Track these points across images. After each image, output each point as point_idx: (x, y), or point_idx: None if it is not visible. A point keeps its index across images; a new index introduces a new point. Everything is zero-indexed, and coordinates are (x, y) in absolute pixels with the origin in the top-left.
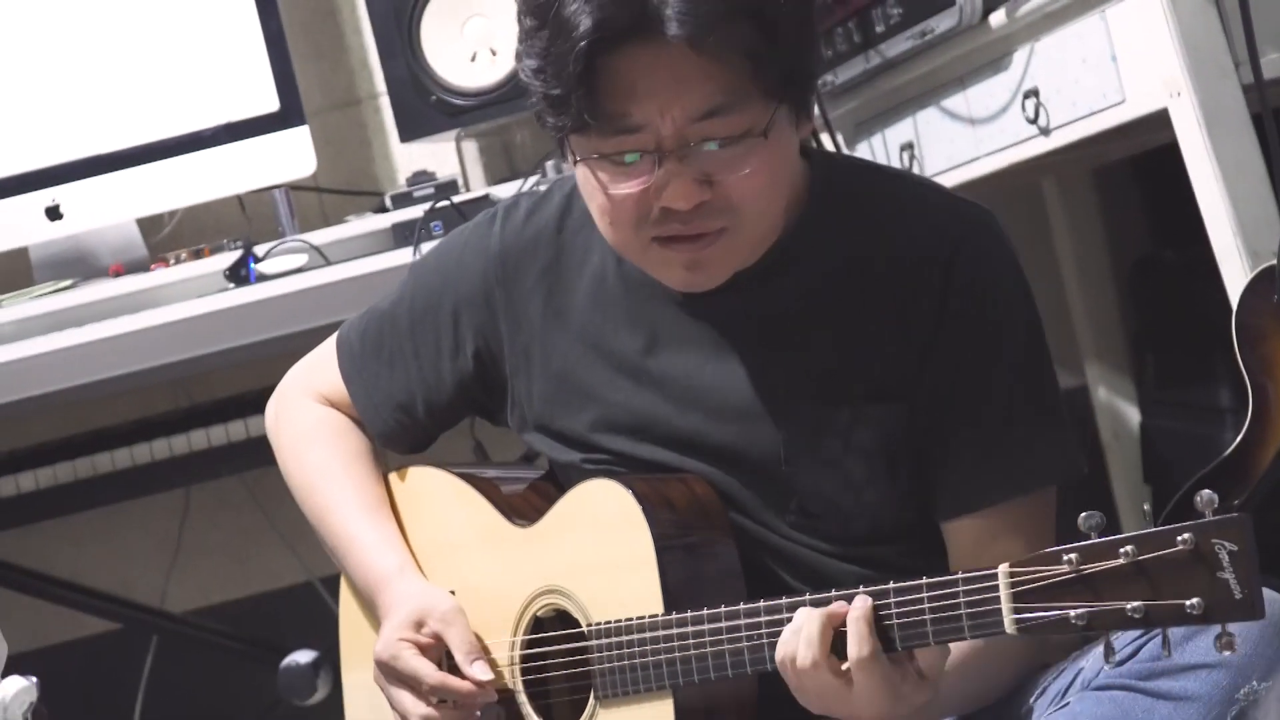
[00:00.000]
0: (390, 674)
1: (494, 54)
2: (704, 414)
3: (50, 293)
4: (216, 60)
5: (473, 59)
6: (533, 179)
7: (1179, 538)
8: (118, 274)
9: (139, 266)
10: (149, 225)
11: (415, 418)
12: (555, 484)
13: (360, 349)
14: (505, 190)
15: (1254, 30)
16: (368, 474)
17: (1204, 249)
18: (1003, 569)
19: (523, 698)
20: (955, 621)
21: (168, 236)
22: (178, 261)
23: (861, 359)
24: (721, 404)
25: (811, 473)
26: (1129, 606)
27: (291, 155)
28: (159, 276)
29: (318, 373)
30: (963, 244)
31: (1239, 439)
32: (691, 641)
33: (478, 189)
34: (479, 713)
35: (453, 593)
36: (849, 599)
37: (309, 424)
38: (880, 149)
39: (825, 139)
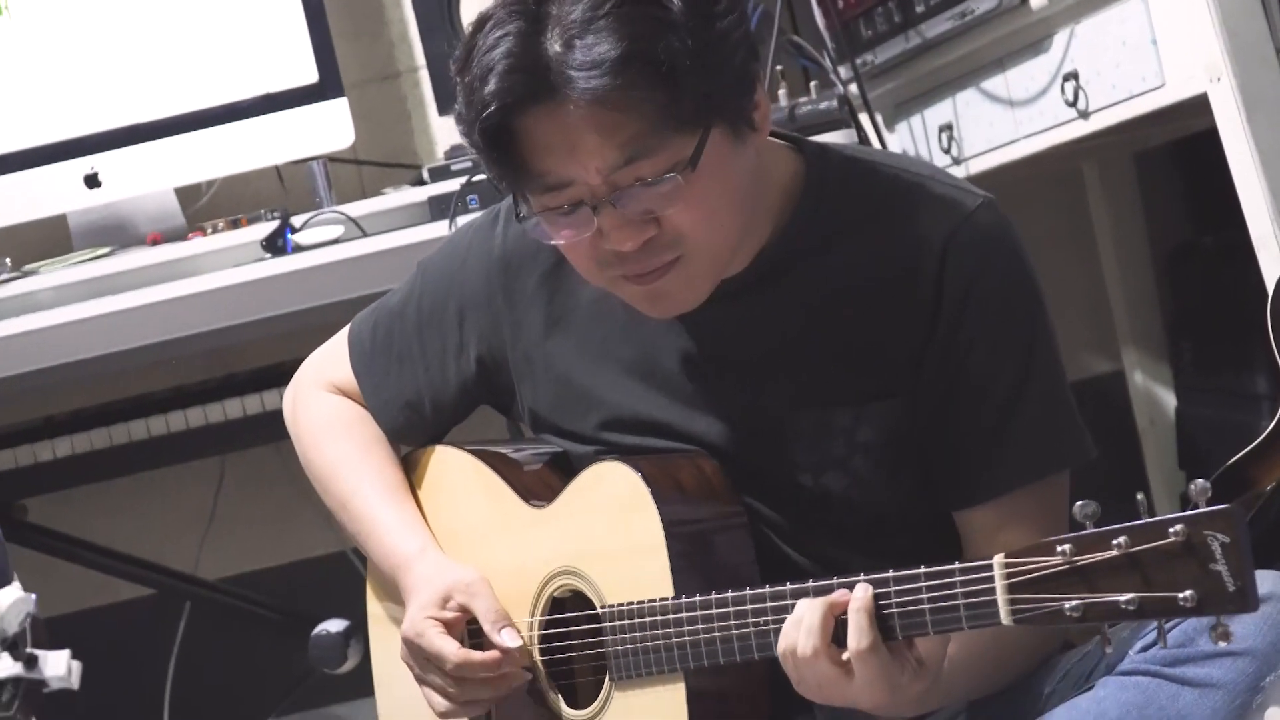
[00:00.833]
0: (416, 652)
1: None
2: (709, 420)
3: (88, 260)
4: (256, 32)
5: None
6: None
7: (1171, 529)
8: (155, 242)
9: (176, 235)
10: (187, 195)
11: (423, 415)
12: (569, 462)
13: (370, 346)
14: None
15: None
16: (385, 460)
17: (1243, 234)
18: (998, 560)
19: (543, 676)
20: (953, 612)
21: (205, 206)
22: (215, 231)
23: (861, 358)
24: (724, 411)
25: (818, 475)
26: (1123, 599)
27: (330, 127)
28: (196, 246)
29: (332, 364)
30: (957, 231)
31: (1271, 426)
32: (701, 626)
33: None
34: (503, 688)
35: None
36: (850, 587)
37: (326, 415)
38: (919, 130)
39: (864, 120)
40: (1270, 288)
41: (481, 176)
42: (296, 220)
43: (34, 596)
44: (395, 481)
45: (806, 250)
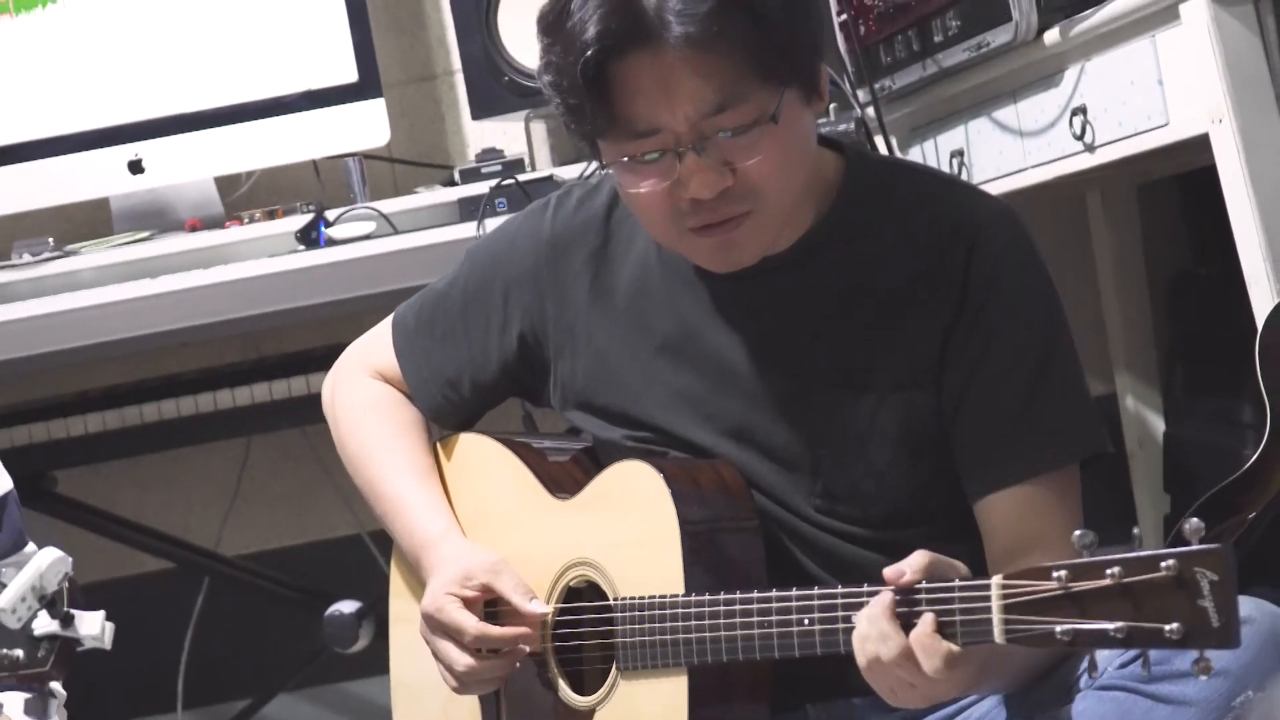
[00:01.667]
0: (435, 626)
1: None
2: (738, 395)
3: (128, 243)
4: (300, 30)
5: None
6: (596, 163)
7: (1163, 563)
8: (194, 229)
9: (214, 223)
10: (226, 184)
11: (462, 395)
12: (595, 458)
13: (415, 327)
14: (569, 172)
15: None
16: (418, 444)
17: (1239, 268)
18: (996, 580)
19: (552, 662)
20: (950, 627)
21: (243, 196)
22: (252, 221)
23: (887, 347)
24: (754, 387)
25: (837, 457)
26: (1112, 627)
27: (367, 125)
28: (233, 234)
29: (373, 351)
30: (983, 231)
31: (1257, 454)
32: (708, 624)
33: (543, 169)
34: (516, 663)
35: None
36: (865, 596)
37: (364, 398)
38: (931, 153)
39: (880, 142)
40: (1260, 323)
41: (511, 181)
42: (331, 214)
43: (70, 559)
44: (425, 465)
45: (842, 239)
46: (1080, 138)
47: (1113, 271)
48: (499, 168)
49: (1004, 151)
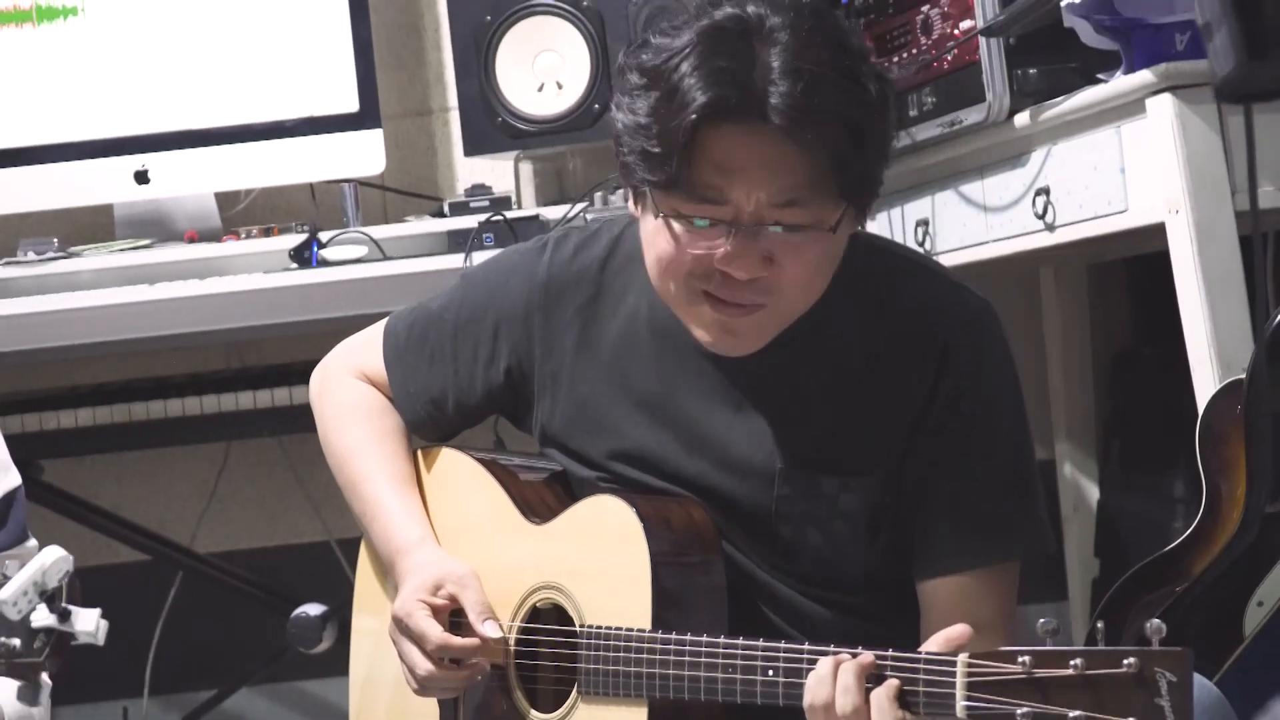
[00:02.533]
0: (403, 629)
1: (560, 87)
2: (708, 460)
3: (129, 249)
4: (308, 59)
5: (540, 89)
6: (580, 205)
7: (1125, 660)
8: (192, 240)
9: (212, 236)
10: (226, 200)
11: (444, 413)
12: (567, 487)
13: (405, 341)
14: (554, 212)
15: (1255, 161)
16: (399, 451)
17: (1180, 349)
18: (962, 658)
19: (512, 677)
20: (914, 696)
21: (241, 212)
22: (248, 236)
23: (856, 433)
24: (725, 454)
25: (798, 527)
26: (1071, 714)
27: (364, 154)
28: (229, 248)
29: (363, 353)
30: (959, 331)
31: (1189, 532)
32: (673, 661)
33: (529, 208)
34: (478, 677)
35: None
36: (831, 654)
37: (350, 399)
38: (898, 221)
39: None
40: (1201, 406)
41: (499, 217)
42: (324, 235)
43: (71, 558)
44: (405, 473)
45: (823, 323)
46: (1042, 217)
47: (1060, 344)
48: (487, 203)
49: (968, 224)
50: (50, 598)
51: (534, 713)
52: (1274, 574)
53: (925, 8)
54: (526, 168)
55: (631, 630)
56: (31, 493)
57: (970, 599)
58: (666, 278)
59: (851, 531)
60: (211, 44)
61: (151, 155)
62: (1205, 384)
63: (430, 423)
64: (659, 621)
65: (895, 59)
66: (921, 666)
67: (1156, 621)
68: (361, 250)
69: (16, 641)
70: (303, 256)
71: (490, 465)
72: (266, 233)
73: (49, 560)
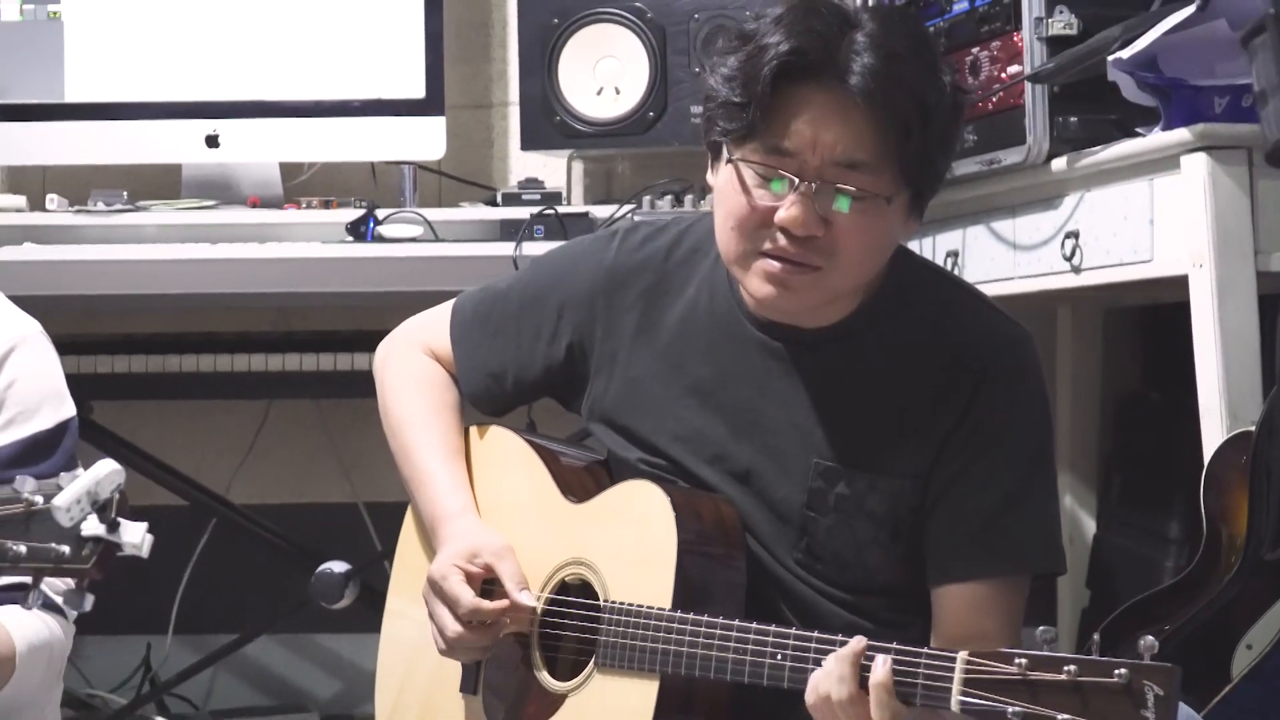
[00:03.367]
0: (437, 591)
1: (617, 93)
2: (751, 447)
3: (194, 208)
4: (381, 45)
5: (599, 93)
6: (628, 206)
7: (1116, 671)
8: (254, 205)
9: (274, 203)
10: (289, 170)
11: (503, 387)
12: (608, 472)
13: (471, 318)
14: (601, 210)
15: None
16: (452, 425)
17: (1187, 396)
18: (962, 655)
19: (535, 645)
20: (911, 687)
21: (303, 183)
22: (308, 207)
23: (891, 437)
24: (766, 442)
25: (824, 522)
26: (1059, 717)
27: (426, 139)
28: (290, 216)
29: (430, 329)
30: (999, 354)
31: (1186, 571)
32: (688, 639)
33: (578, 205)
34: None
35: None
36: (839, 645)
37: (413, 371)
38: (929, 250)
39: None
40: (1208, 452)
41: (550, 211)
42: (380, 213)
43: (123, 472)
44: (455, 446)
45: (874, 331)
46: (1069, 259)
47: (1071, 381)
48: (538, 197)
49: (996, 259)
50: (101, 508)
51: (551, 680)
52: (1266, 619)
53: (976, 49)
54: (578, 166)
55: (652, 608)
56: (80, 431)
57: (979, 608)
58: (733, 233)
59: (874, 532)
60: (291, 21)
61: (223, 121)
62: (1213, 432)
63: (487, 396)
64: (678, 603)
65: None
66: (922, 660)
67: (1150, 638)
68: (416, 230)
69: (66, 548)
70: (359, 231)
71: (536, 446)
72: (326, 205)
73: (103, 473)
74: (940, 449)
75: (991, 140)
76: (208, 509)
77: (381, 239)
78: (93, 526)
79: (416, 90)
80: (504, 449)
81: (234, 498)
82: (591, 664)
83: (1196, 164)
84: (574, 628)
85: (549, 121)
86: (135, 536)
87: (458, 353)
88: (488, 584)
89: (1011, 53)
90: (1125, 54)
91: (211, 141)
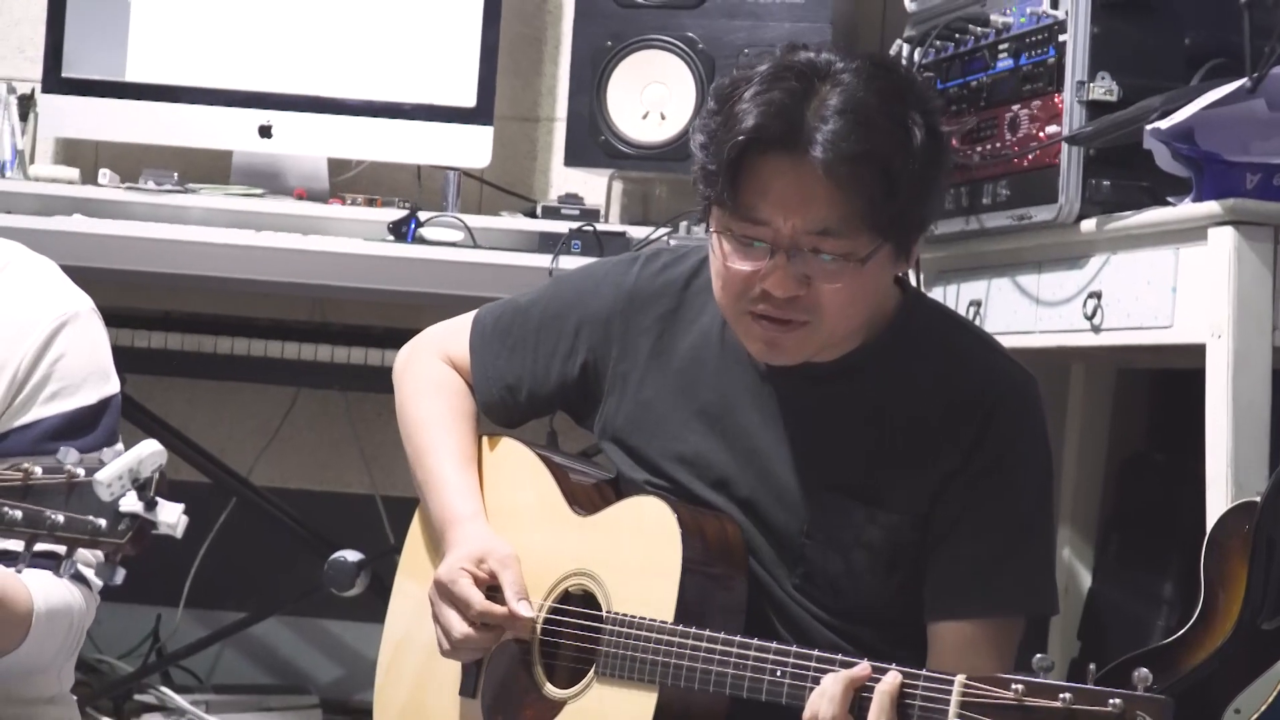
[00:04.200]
0: (445, 594)
1: (663, 118)
2: (753, 473)
3: (242, 195)
4: (437, 52)
5: (644, 116)
6: (664, 230)
7: (1110, 700)
8: (300, 197)
9: (319, 197)
10: (337, 166)
11: (517, 399)
12: (616, 489)
13: (491, 330)
14: (637, 231)
15: None
16: (467, 433)
17: (1190, 460)
18: (960, 678)
19: (536, 652)
20: (909, 710)
21: (349, 180)
22: (353, 203)
23: (893, 473)
24: (769, 469)
25: (822, 551)
26: None
27: (473, 147)
28: (334, 210)
29: (451, 339)
30: (1005, 398)
31: (1182, 632)
32: (688, 653)
33: (615, 224)
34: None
35: None
36: (845, 665)
37: (432, 378)
38: (952, 298)
39: (910, 274)
40: (1211, 518)
41: (588, 228)
42: (423, 215)
43: (166, 453)
44: (469, 453)
45: (881, 368)
46: (1090, 318)
47: (1079, 436)
48: (577, 212)
49: (1018, 312)
50: (142, 486)
51: (550, 686)
52: (1256, 686)
53: (1016, 107)
54: (618, 186)
55: (654, 621)
56: None
57: (973, 645)
58: (723, 294)
59: (871, 563)
60: (351, 21)
61: (277, 113)
62: (1218, 499)
63: (501, 406)
64: (680, 619)
65: (979, 149)
66: (921, 681)
67: (1144, 670)
68: (456, 235)
69: (102, 522)
70: (401, 231)
71: (546, 459)
72: (370, 203)
73: (146, 452)
74: (942, 487)
75: (1023, 196)
76: (229, 488)
77: (422, 240)
78: (131, 503)
79: (468, 99)
80: (514, 460)
81: (256, 479)
82: (591, 673)
83: (1224, 237)
84: (575, 637)
85: (593, 140)
86: (171, 517)
87: (475, 363)
88: (491, 589)
89: (1051, 113)
90: (1164, 124)
91: (264, 132)
